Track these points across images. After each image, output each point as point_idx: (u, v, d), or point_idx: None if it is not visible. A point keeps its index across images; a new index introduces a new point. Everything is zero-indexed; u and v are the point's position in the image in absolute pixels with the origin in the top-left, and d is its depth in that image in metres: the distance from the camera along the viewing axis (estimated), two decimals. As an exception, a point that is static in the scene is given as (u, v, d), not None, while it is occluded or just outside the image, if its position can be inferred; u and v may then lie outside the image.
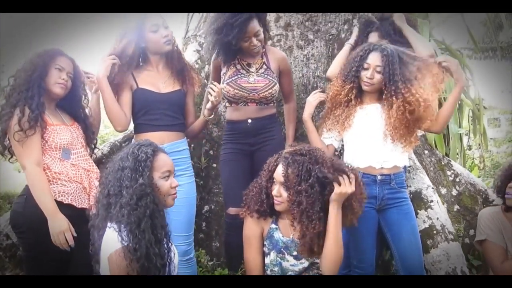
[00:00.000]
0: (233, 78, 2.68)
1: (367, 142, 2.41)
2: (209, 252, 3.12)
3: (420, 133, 2.79)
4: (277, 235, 2.13)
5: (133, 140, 2.70)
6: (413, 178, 2.96)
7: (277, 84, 2.72)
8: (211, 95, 2.55)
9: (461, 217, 3.31)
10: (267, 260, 2.14)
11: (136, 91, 2.60)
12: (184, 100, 2.72)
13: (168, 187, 1.83)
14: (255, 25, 2.57)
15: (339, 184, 1.96)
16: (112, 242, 1.64)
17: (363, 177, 2.38)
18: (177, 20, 4.12)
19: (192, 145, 3.05)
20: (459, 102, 4.20)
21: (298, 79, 3.26)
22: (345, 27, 3.33)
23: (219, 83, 2.70)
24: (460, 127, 4.11)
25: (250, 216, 2.17)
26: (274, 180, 2.10)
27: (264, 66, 2.72)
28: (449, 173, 3.48)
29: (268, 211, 2.15)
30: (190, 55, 3.47)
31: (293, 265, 2.11)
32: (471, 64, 4.85)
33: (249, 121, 2.68)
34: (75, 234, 2.16)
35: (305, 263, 2.10)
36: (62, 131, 2.32)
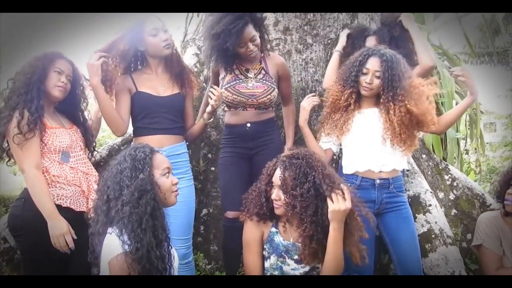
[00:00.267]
0: (232, 84, 2.69)
1: (366, 146, 2.41)
2: (207, 255, 3.11)
3: (419, 135, 2.80)
4: (278, 238, 2.14)
5: (132, 143, 2.70)
6: (412, 182, 2.96)
7: (276, 90, 2.73)
8: (211, 99, 2.55)
9: (459, 221, 3.32)
10: (266, 264, 2.14)
11: (136, 95, 2.60)
12: (183, 103, 2.72)
13: (169, 184, 1.84)
14: (250, 30, 2.57)
15: (332, 201, 1.96)
16: (112, 247, 1.63)
17: (362, 181, 2.40)
18: (175, 23, 4.13)
19: (191, 149, 3.04)
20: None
21: (296, 83, 3.26)
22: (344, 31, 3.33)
23: (219, 86, 2.70)
24: (457, 132, 4.13)
25: (250, 220, 2.18)
26: (273, 184, 2.11)
27: (263, 72, 2.72)
28: (446, 177, 3.49)
29: (268, 215, 2.16)
30: (189, 59, 3.47)
31: (294, 269, 2.11)
32: (467, 68, 4.86)
33: (248, 125, 2.68)
34: (75, 237, 2.16)
35: (306, 267, 2.10)
36: (61, 134, 2.31)
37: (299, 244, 2.06)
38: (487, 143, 6.73)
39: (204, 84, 3.35)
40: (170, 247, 1.75)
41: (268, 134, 2.71)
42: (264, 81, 2.69)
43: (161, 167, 1.83)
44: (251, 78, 2.69)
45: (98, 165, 2.86)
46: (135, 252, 1.60)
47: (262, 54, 2.75)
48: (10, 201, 4.25)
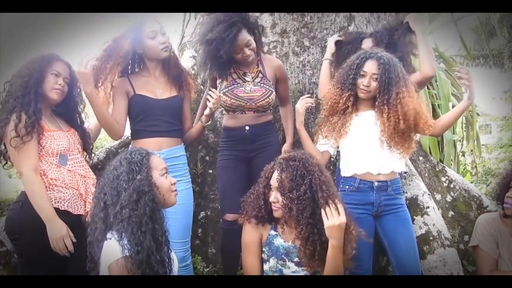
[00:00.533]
0: (230, 88, 2.69)
1: (364, 148, 2.42)
2: (205, 258, 3.11)
3: (416, 137, 2.80)
4: (278, 241, 2.14)
5: (130, 145, 2.70)
6: (409, 185, 2.97)
7: (274, 93, 2.73)
8: (209, 102, 2.55)
9: (456, 223, 3.32)
10: (265, 267, 2.14)
11: (133, 97, 2.60)
12: (181, 106, 2.72)
13: (169, 184, 1.83)
14: (244, 36, 2.57)
15: (327, 218, 1.97)
16: (112, 251, 1.62)
17: (360, 184, 2.41)
18: (172, 26, 4.12)
19: (188, 151, 3.04)
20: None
21: (294, 86, 3.26)
22: (341, 33, 3.34)
23: (216, 90, 2.70)
24: (454, 134, 4.14)
25: (248, 222, 2.19)
26: (271, 186, 2.13)
27: (260, 75, 2.73)
28: (443, 179, 3.50)
29: (267, 217, 2.16)
30: (186, 61, 3.47)
31: (295, 272, 2.11)
32: (463, 71, 4.88)
33: (247, 128, 2.68)
34: (74, 240, 2.15)
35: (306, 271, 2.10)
36: (59, 137, 2.31)
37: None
38: (482, 144, 6.75)
39: (201, 86, 3.35)
40: (169, 251, 1.74)
41: (267, 137, 2.72)
42: (262, 84, 2.70)
43: (159, 167, 1.83)
44: (248, 82, 2.70)
45: (96, 168, 2.86)
46: (135, 257, 1.59)
47: (259, 57, 2.75)
48: (5, 204, 4.22)
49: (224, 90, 2.69)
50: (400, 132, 2.35)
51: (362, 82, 2.39)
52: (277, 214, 2.11)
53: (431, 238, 2.75)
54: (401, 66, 2.42)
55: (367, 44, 2.83)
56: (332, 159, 2.88)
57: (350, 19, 3.38)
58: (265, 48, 3.24)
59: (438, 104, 4.00)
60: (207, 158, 3.30)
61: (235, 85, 2.69)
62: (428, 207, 2.87)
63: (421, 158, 3.51)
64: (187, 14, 3.97)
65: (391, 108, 2.33)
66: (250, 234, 2.17)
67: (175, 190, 1.89)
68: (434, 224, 2.81)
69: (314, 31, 3.34)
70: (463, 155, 5.12)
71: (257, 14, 3.34)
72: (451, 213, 3.35)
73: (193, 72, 3.43)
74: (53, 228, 2.12)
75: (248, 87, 2.68)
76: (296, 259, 2.10)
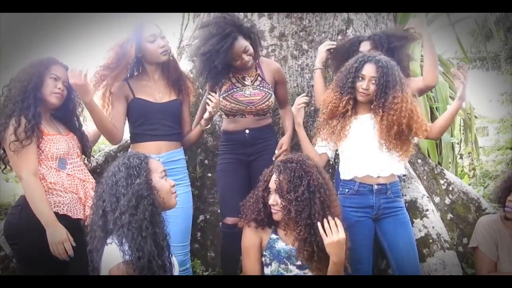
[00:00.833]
0: (229, 92, 2.69)
1: (363, 151, 2.42)
2: (204, 262, 3.10)
3: (414, 140, 2.80)
4: (279, 245, 2.14)
5: (129, 149, 2.69)
6: (408, 187, 2.97)
7: (273, 96, 2.74)
8: (209, 106, 2.55)
9: (454, 225, 3.32)
10: (267, 271, 2.14)
11: (133, 101, 2.60)
12: (181, 109, 2.73)
13: (169, 186, 1.83)
14: (241, 43, 2.57)
15: (326, 234, 1.97)
16: (113, 257, 1.61)
17: (360, 187, 2.41)
18: (171, 29, 4.12)
19: (187, 155, 3.04)
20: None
21: (292, 89, 3.27)
22: (339, 37, 3.35)
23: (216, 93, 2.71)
24: (452, 136, 4.16)
25: (248, 226, 2.19)
26: (270, 189, 2.13)
27: (259, 78, 2.73)
28: (442, 181, 3.50)
29: (266, 221, 2.17)
30: (185, 65, 3.47)
31: (297, 275, 2.11)
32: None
33: (247, 131, 2.69)
34: (74, 244, 2.15)
35: (308, 274, 2.10)
36: (58, 141, 2.30)
37: None
38: (480, 147, 6.78)
39: (200, 90, 3.35)
40: (170, 255, 1.73)
41: (266, 140, 2.73)
42: (261, 88, 2.70)
43: (158, 170, 1.82)
44: (248, 85, 2.70)
45: (95, 172, 2.85)
46: (136, 262, 1.58)
47: (257, 61, 2.75)
48: (1, 208, 4.21)
49: (224, 95, 2.69)
50: (397, 135, 2.36)
51: (361, 85, 2.39)
52: (276, 217, 2.11)
53: (430, 241, 2.76)
54: (398, 70, 2.42)
55: (365, 47, 2.83)
56: (330, 162, 2.88)
57: (348, 23, 3.39)
58: (264, 52, 3.25)
59: (436, 107, 4.01)
60: (206, 161, 3.30)
61: (235, 89, 2.69)
62: (427, 210, 2.88)
63: (419, 160, 3.52)
64: (185, 17, 3.97)
65: (385, 111, 2.34)
66: (250, 238, 2.17)
67: (175, 192, 1.88)
68: (433, 227, 2.81)
69: (312, 35, 3.34)
70: (461, 157, 5.14)
71: (255, 18, 3.35)
72: (449, 215, 3.36)
73: (191, 75, 3.44)
74: (53, 232, 2.12)
75: (247, 91, 2.69)
76: (298, 263, 2.10)
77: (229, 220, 2.56)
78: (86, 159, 2.53)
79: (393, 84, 2.34)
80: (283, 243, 2.14)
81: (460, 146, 4.82)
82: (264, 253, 2.15)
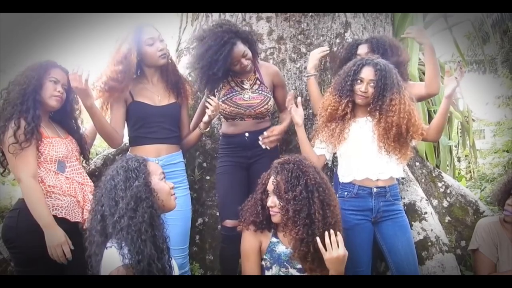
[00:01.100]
0: (228, 96, 2.70)
1: (362, 154, 2.43)
2: (203, 265, 3.09)
3: (412, 143, 2.80)
4: (279, 248, 2.14)
5: (128, 152, 2.69)
6: (407, 190, 2.98)
7: (272, 99, 2.74)
8: (208, 109, 2.56)
9: (453, 228, 3.33)
10: (268, 274, 2.14)
11: (132, 105, 2.60)
12: (180, 112, 2.73)
13: (168, 188, 1.82)
14: (240, 48, 2.58)
15: (325, 249, 1.98)
16: (113, 261, 1.59)
17: (359, 190, 2.41)
18: (169, 32, 4.12)
19: (186, 158, 3.03)
20: (449, 114, 4.27)
21: (293, 91, 3.27)
22: (337, 40, 3.36)
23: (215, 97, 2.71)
24: (449, 139, 4.17)
25: (247, 229, 2.19)
26: (268, 192, 2.14)
27: (258, 82, 2.74)
28: (440, 184, 3.51)
29: (265, 223, 2.17)
30: (183, 68, 3.46)
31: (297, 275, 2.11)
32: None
33: (247, 134, 2.69)
34: (72, 247, 2.14)
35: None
36: (57, 143, 2.30)
37: None
38: (477, 150, 6.80)
39: (199, 93, 3.35)
40: (170, 258, 1.72)
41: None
42: (260, 92, 2.71)
43: (157, 172, 1.81)
44: (247, 89, 2.71)
45: (93, 175, 2.85)
46: (136, 266, 1.56)
47: (256, 65, 2.76)
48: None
49: (223, 98, 2.70)
50: (396, 137, 2.37)
51: (360, 88, 2.40)
52: (275, 219, 2.11)
53: (429, 243, 2.76)
54: (396, 73, 2.43)
55: (363, 50, 2.85)
56: (328, 164, 2.88)
57: (346, 26, 3.40)
58: (262, 55, 3.25)
59: (434, 110, 4.02)
60: (204, 164, 3.30)
61: (234, 93, 2.70)
62: (426, 213, 2.88)
63: (417, 163, 3.52)
64: (184, 20, 3.97)
65: (383, 114, 2.35)
66: (249, 241, 2.17)
67: (174, 194, 1.87)
68: (432, 230, 2.82)
69: (310, 38, 3.35)
70: (458, 160, 5.16)
71: (254, 21, 3.36)
72: (447, 218, 3.36)
73: (190, 78, 3.44)
74: (52, 235, 2.11)
75: (246, 94, 2.69)
76: (298, 266, 2.10)
77: (229, 223, 2.56)
78: (85, 161, 2.53)
79: (390, 87, 2.35)
80: (284, 246, 2.14)
81: (457, 149, 4.83)
82: (265, 256, 2.15)
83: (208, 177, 3.25)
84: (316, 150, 2.57)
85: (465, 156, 6.49)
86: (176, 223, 2.45)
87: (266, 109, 2.70)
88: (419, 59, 3.91)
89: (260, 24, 3.37)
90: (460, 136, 4.76)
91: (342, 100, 2.43)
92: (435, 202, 3.39)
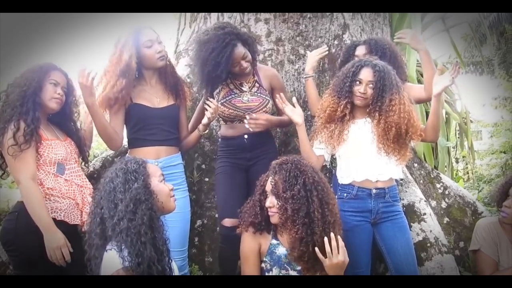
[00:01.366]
0: (227, 98, 2.70)
1: (362, 155, 2.43)
2: (202, 267, 3.08)
3: (411, 144, 2.80)
4: (279, 250, 2.14)
5: (127, 154, 2.68)
6: (406, 191, 2.98)
7: (271, 101, 2.75)
8: (208, 111, 2.56)
9: (451, 229, 3.33)
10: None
11: (131, 107, 2.60)
12: (178, 114, 2.72)
13: (168, 190, 1.82)
14: (240, 50, 2.58)
15: (325, 257, 1.98)
16: (113, 263, 1.58)
17: (358, 191, 2.41)
18: (167, 34, 4.12)
19: (184, 160, 3.03)
20: (447, 116, 4.28)
21: (289, 94, 3.27)
22: (335, 42, 3.37)
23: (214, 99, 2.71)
24: (448, 140, 4.18)
25: (246, 231, 2.18)
26: (267, 192, 2.14)
27: (257, 85, 2.74)
28: (438, 185, 3.52)
29: (263, 224, 2.16)
30: (181, 69, 3.47)
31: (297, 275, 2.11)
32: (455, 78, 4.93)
33: (246, 136, 2.69)
34: (71, 250, 2.13)
35: None
36: (56, 146, 2.30)
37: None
38: (474, 151, 6.81)
39: (197, 94, 3.35)
40: (170, 260, 1.72)
41: (265, 145, 2.74)
42: (259, 94, 2.71)
43: (156, 174, 1.81)
44: (246, 92, 2.71)
45: (92, 177, 2.84)
46: (136, 269, 1.56)
47: (255, 67, 2.76)
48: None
49: (222, 101, 2.70)
50: (395, 138, 2.37)
51: (358, 89, 2.40)
52: (273, 219, 2.11)
53: (428, 244, 2.77)
54: (394, 74, 2.44)
55: (361, 51, 2.85)
56: (327, 166, 2.89)
57: (345, 28, 3.41)
58: (261, 56, 3.26)
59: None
60: (203, 166, 3.29)
61: (233, 95, 2.70)
62: (425, 214, 2.89)
63: (416, 165, 3.53)
64: (182, 22, 3.97)
65: (382, 114, 2.36)
66: (249, 243, 2.17)
67: (174, 196, 1.87)
68: (431, 231, 2.82)
69: (309, 40, 3.36)
70: (456, 161, 5.17)
71: (252, 23, 3.36)
72: (446, 219, 3.37)
73: (188, 80, 3.44)
74: (51, 237, 2.11)
75: (245, 97, 2.70)
76: (298, 268, 2.10)
77: (227, 221, 2.55)
78: (84, 163, 2.52)
79: (389, 88, 2.36)
80: (284, 248, 2.13)
81: (456, 150, 4.85)
82: (265, 259, 2.15)
83: (207, 179, 3.25)
84: (316, 150, 2.57)
85: (463, 157, 6.50)
86: (175, 225, 2.44)
87: (264, 112, 2.70)
88: (417, 60, 3.92)
89: (258, 25, 3.38)
90: (458, 137, 4.77)
91: (341, 101, 2.43)
92: (433, 203, 3.40)
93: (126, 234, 1.59)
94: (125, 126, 2.66)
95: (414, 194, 2.99)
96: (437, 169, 3.79)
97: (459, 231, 3.33)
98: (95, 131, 2.72)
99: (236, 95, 2.70)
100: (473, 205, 3.45)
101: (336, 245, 1.98)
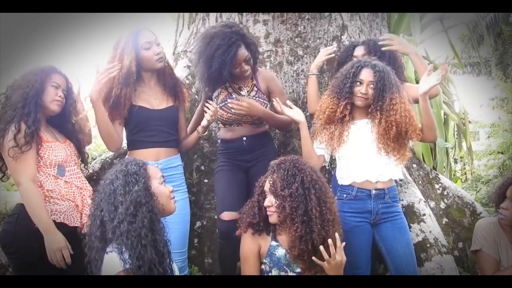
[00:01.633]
0: (226, 102, 2.70)
1: (362, 156, 2.43)
2: (201, 269, 3.08)
3: (409, 144, 2.80)
4: (279, 252, 2.14)
5: (126, 156, 2.68)
6: (405, 192, 2.99)
7: (269, 106, 2.74)
8: (207, 114, 2.56)
9: (450, 229, 3.34)
10: None
11: (131, 108, 2.59)
12: (177, 116, 2.72)
13: (168, 192, 1.81)
14: (243, 51, 2.58)
15: (323, 260, 1.99)
16: (113, 266, 1.57)
17: (358, 192, 2.42)
18: (165, 35, 4.12)
19: (184, 161, 3.03)
20: (445, 116, 4.28)
21: (288, 95, 3.28)
22: (334, 43, 3.37)
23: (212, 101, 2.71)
24: (446, 141, 4.18)
25: (245, 232, 2.18)
26: (265, 193, 2.14)
27: (255, 89, 2.74)
28: (437, 186, 3.52)
29: (262, 225, 2.16)
30: (180, 71, 3.47)
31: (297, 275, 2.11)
32: (453, 79, 4.94)
33: (244, 138, 2.70)
34: (71, 252, 2.12)
35: None
36: (57, 148, 2.30)
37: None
38: (472, 151, 6.82)
39: (196, 96, 3.35)
40: (171, 262, 1.71)
41: (264, 146, 2.74)
42: (257, 98, 2.71)
43: (157, 176, 1.80)
44: (244, 95, 2.71)
45: (91, 179, 2.83)
46: (136, 271, 1.55)
47: (254, 71, 2.76)
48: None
49: (221, 105, 2.70)
50: (395, 137, 2.37)
51: (360, 90, 2.40)
52: (272, 219, 2.11)
53: (428, 245, 2.77)
54: (394, 74, 2.45)
55: (359, 51, 2.86)
56: (326, 167, 2.89)
57: (343, 29, 3.42)
58: (259, 58, 3.25)
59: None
60: (202, 167, 3.29)
61: (231, 99, 2.69)
62: (424, 215, 2.89)
63: (414, 165, 3.54)
64: (180, 24, 3.98)
65: (383, 114, 2.36)
66: (248, 245, 2.17)
67: (174, 198, 1.87)
68: (430, 231, 2.83)
69: (307, 41, 3.36)
70: (455, 162, 5.16)
71: (251, 24, 3.37)
72: (445, 220, 3.38)
73: (187, 81, 3.44)
74: (52, 239, 2.10)
75: None
76: (298, 270, 2.10)
77: (226, 215, 2.51)
78: (83, 165, 2.52)
79: (389, 87, 2.37)
80: (283, 250, 2.13)
81: (454, 151, 4.85)
82: (264, 260, 2.15)
83: (206, 180, 3.25)
84: (316, 150, 2.57)
85: (460, 158, 6.50)
86: (175, 227, 2.43)
87: None
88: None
89: (257, 27, 3.38)
90: (456, 138, 4.77)
91: (341, 102, 2.43)
92: (432, 203, 3.41)
93: (126, 237, 1.58)
94: (124, 128, 2.65)
95: (414, 195, 2.99)
96: (435, 170, 3.79)
97: (458, 232, 3.33)
98: (94, 133, 2.73)
99: (235, 99, 2.70)
100: (472, 205, 3.46)
101: (333, 250, 1.98)
